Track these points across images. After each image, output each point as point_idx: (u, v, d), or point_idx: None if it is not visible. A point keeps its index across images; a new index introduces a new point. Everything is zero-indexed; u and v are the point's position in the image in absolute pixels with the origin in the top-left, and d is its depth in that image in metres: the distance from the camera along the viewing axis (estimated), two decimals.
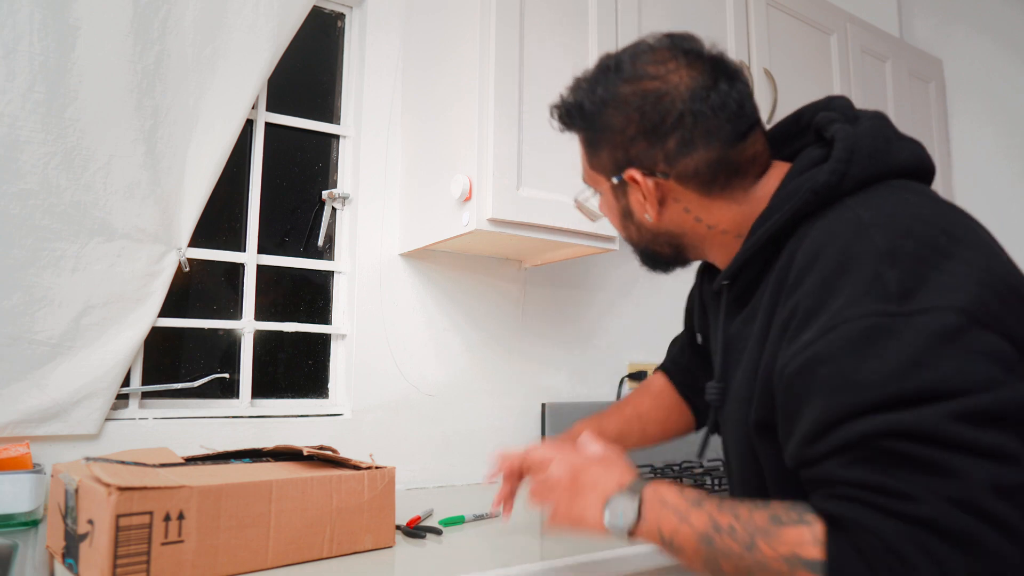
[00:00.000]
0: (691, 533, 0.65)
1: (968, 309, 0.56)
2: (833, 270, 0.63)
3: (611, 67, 0.78)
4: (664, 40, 0.77)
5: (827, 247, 0.65)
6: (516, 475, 0.92)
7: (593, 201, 0.88)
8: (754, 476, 0.76)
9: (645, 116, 0.74)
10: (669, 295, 2.03)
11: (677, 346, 1.16)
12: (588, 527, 0.73)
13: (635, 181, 0.77)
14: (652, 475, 0.70)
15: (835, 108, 0.77)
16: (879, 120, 0.74)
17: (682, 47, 0.76)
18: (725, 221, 0.78)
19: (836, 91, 2.00)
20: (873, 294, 0.58)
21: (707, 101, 0.72)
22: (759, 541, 0.60)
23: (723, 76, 0.74)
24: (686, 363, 1.11)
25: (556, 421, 1.70)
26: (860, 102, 2.05)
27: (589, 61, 1.46)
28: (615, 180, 0.79)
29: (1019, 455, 0.53)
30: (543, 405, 1.72)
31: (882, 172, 0.70)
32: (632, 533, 0.69)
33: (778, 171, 0.77)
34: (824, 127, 0.75)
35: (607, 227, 1.44)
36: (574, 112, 0.81)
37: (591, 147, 0.81)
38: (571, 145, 1.41)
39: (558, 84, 1.40)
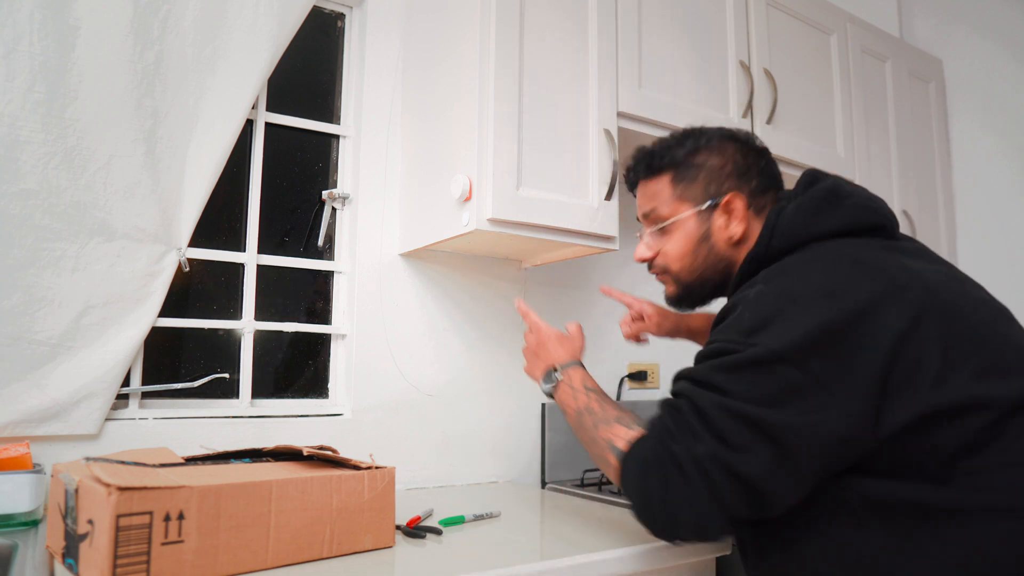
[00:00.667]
0: (572, 405, 1.01)
1: (778, 350, 0.78)
2: (726, 312, 0.89)
3: (700, 131, 1.06)
4: (724, 130, 1.08)
5: (735, 301, 0.89)
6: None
7: (654, 237, 1.09)
8: None
9: (736, 158, 1.02)
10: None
11: None
12: (535, 380, 1.11)
13: (729, 205, 1.00)
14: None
15: (799, 182, 1.00)
16: (815, 194, 0.95)
17: (741, 136, 1.07)
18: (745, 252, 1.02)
19: (836, 91, 2.00)
20: (732, 330, 0.84)
21: (767, 165, 1.05)
22: (600, 425, 0.94)
23: (767, 155, 1.07)
24: None
25: (556, 421, 1.70)
26: (860, 102, 2.06)
27: (589, 61, 1.46)
28: (707, 204, 1.01)
29: (747, 448, 0.77)
30: (543, 405, 1.72)
31: (800, 240, 0.92)
32: (551, 396, 1.06)
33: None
34: (780, 201, 1.00)
35: (607, 227, 1.44)
36: (664, 155, 1.05)
37: (682, 181, 1.03)
38: (571, 145, 1.42)
39: (558, 84, 1.41)
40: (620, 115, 1.50)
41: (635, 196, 1.14)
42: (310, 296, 1.56)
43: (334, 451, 1.05)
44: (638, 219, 1.12)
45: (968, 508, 0.74)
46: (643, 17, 1.58)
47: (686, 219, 1.03)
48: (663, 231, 1.06)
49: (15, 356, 1.14)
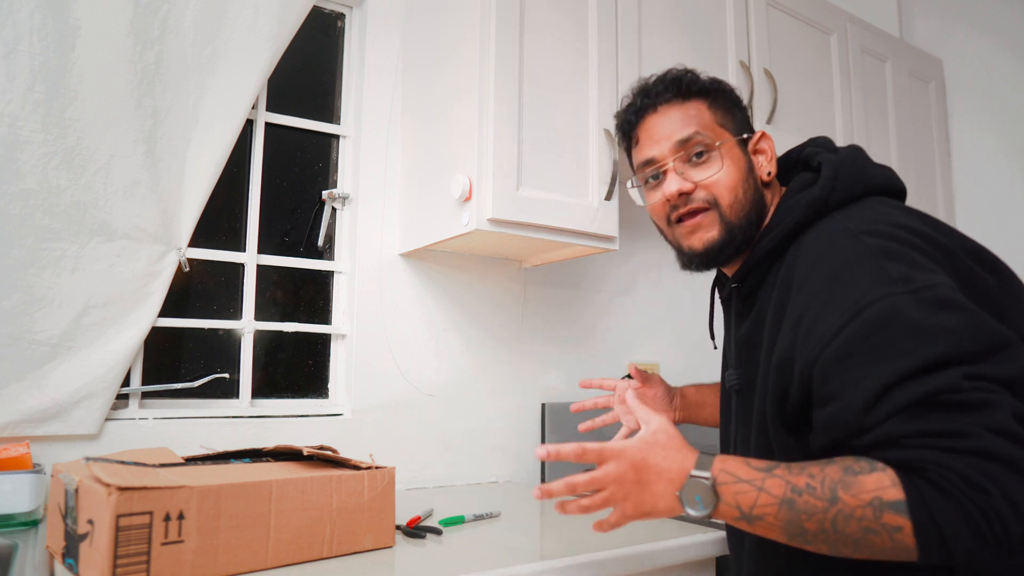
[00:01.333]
0: (771, 500, 0.67)
1: (956, 288, 0.68)
2: (836, 269, 0.73)
3: (702, 74, 0.98)
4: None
5: (826, 253, 0.76)
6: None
7: (642, 188, 0.98)
8: (770, 452, 0.84)
9: (743, 108, 0.98)
10: (668, 295, 2.03)
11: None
12: (661, 516, 0.75)
13: (762, 140, 0.93)
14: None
15: (819, 144, 0.93)
16: (856, 150, 0.89)
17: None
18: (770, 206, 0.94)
19: (836, 91, 2.00)
20: (882, 282, 0.68)
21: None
22: (840, 493, 0.64)
23: None
24: None
25: (556, 421, 1.70)
26: (860, 102, 2.06)
27: (589, 61, 1.46)
28: (746, 135, 0.93)
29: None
30: (543, 405, 1.72)
31: (861, 190, 0.84)
32: (711, 515, 0.71)
33: (778, 189, 0.96)
34: (811, 158, 0.90)
35: (607, 227, 1.44)
36: (696, 82, 0.95)
37: (719, 109, 0.94)
38: (571, 145, 1.42)
39: (558, 84, 1.41)
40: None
41: (631, 137, 0.98)
42: (310, 296, 1.56)
43: (334, 451, 1.05)
44: (643, 164, 0.95)
45: None
46: (643, 17, 1.58)
47: (730, 147, 0.91)
48: (707, 160, 0.90)
49: (15, 356, 1.14)
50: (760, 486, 0.68)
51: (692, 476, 0.71)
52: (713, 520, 1.20)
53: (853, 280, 0.71)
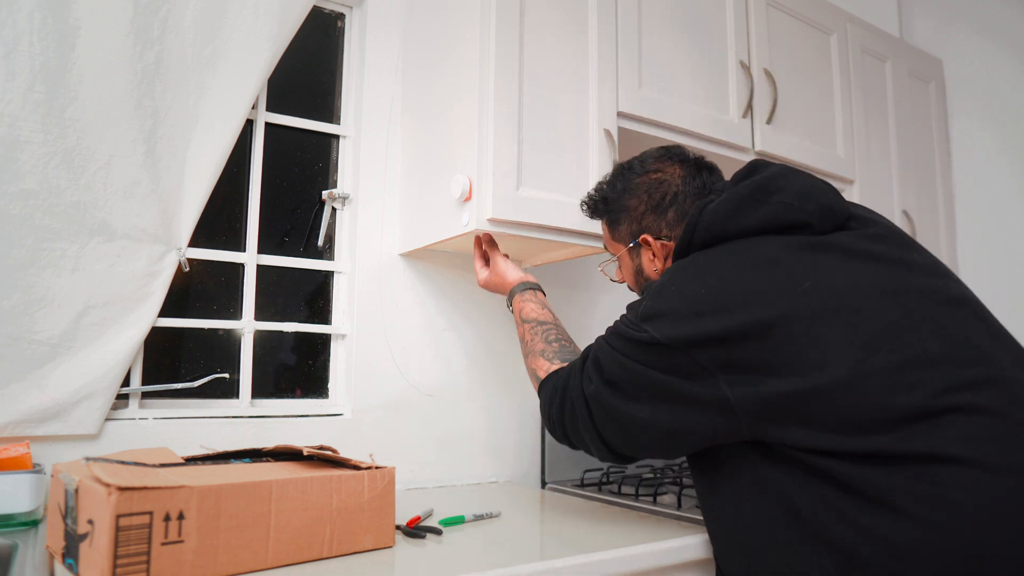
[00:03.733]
0: (519, 331, 1.24)
1: (663, 341, 0.88)
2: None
3: (625, 168, 1.15)
4: (661, 149, 1.15)
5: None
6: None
7: (610, 267, 1.25)
8: None
9: (651, 196, 1.11)
10: None
11: None
12: (502, 292, 1.33)
13: (647, 243, 1.11)
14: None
15: (751, 166, 1.05)
16: (741, 191, 0.97)
17: (674, 153, 1.14)
18: None
19: (836, 91, 2.00)
20: (633, 312, 0.95)
21: (692, 183, 1.10)
22: (529, 356, 1.18)
23: (704, 169, 1.12)
24: None
25: None
26: (860, 102, 2.06)
27: (589, 61, 1.46)
28: (631, 244, 1.14)
29: (616, 401, 0.94)
30: None
31: (720, 236, 0.95)
32: (508, 307, 1.30)
33: None
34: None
35: None
36: (599, 203, 1.18)
37: (613, 225, 1.16)
38: (571, 145, 1.42)
39: (558, 84, 1.41)
40: (620, 115, 1.50)
41: None
42: (310, 296, 1.56)
43: (334, 451, 1.05)
44: None
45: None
46: (643, 17, 1.58)
47: (622, 257, 1.17)
48: (615, 263, 1.21)
49: (15, 356, 1.14)
50: (520, 322, 1.24)
51: (512, 288, 1.29)
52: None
53: (639, 300, 0.99)
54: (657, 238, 1.10)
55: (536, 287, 1.26)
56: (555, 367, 1.10)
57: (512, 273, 1.29)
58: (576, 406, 0.99)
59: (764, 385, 0.82)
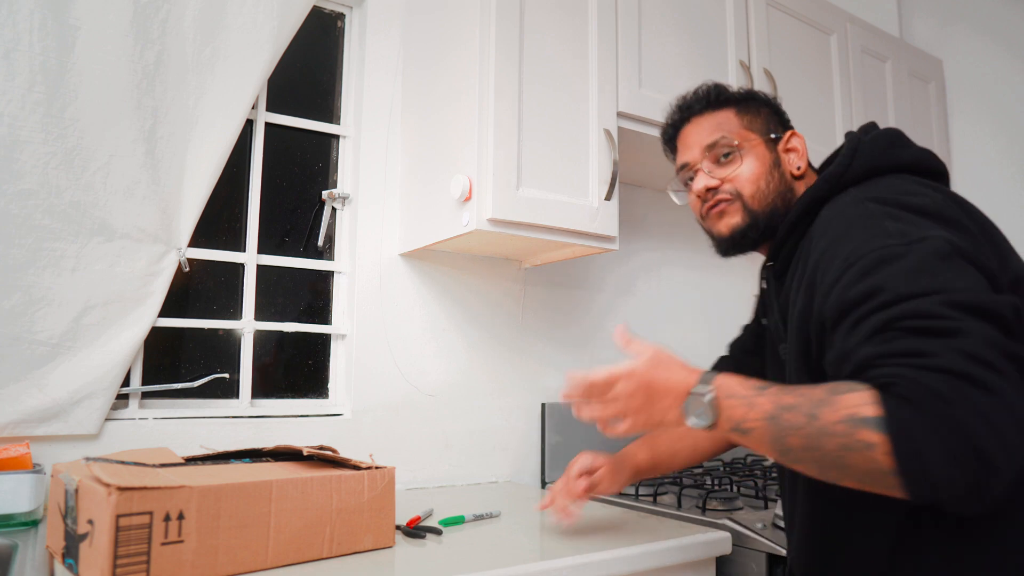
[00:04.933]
0: (759, 415, 0.71)
1: (953, 241, 0.70)
2: (840, 231, 0.79)
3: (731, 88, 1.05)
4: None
5: (834, 219, 0.82)
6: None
7: (681, 195, 1.10)
8: None
9: (775, 111, 1.04)
10: (669, 294, 2.03)
11: (730, 352, 1.23)
12: (669, 426, 0.82)
13: (792, 139, 1.01)
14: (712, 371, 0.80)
15: (858, 131, 0.96)
16: (889, 131, 0.91)
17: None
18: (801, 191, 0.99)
19: (836, 91, 2.00)
20: (878, 237, 0.72)
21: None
22: (820, 410, 0.66)
23: None
24: (742, 362, 1.19)
25: (556, 421, 1.70)
26: (860, 102, 2.05)
27: (589, 60, 1.46)
28: (774, 135, 1.01)
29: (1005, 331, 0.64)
30: (543, 405, 1.72)
31: (880, 167, 0.87)
32: (713, 426, 0.76)
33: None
34: (848, 140, 0.94)
35: (607, 227, 1.44)
36: (722, 93, 1.04)
37: (746, 113, 1.03)
38: (571, 145, 1.42)
39: (558, 84, 1.41)
40: (620, 115, 1.50)
41: (673, 147, 1.10)
42: (310, 296, 1.56)
43: (334, 451, 1.05)
44: (680, 168, 1.07)
45: None
46: (643, 17, 1.58)
47: (755, 147, 1.00)
48: (732, 158, 1.00)
49: (15, 356, 1.14)
50: (751, 401, 0.72)
51: (693, 392, 0.77)
52: (714, 520, 1.20)
53: (852, 237, 0.76)
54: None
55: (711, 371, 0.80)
56: (873, 390, 0.64)
57: (676, 373, 0.81)
58: (978, 377, 0.60)
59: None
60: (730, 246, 1.01)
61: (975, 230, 0.77)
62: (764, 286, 1.06)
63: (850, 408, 0.64)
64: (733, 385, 0.75)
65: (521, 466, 1.70)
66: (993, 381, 0.60)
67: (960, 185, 2.44)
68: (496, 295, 1.71)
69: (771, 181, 0.99)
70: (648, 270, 1.99)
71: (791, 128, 1.04)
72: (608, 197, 1.44)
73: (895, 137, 0.92)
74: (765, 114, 1.03)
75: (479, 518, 1.19)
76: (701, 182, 1.01)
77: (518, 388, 1.71)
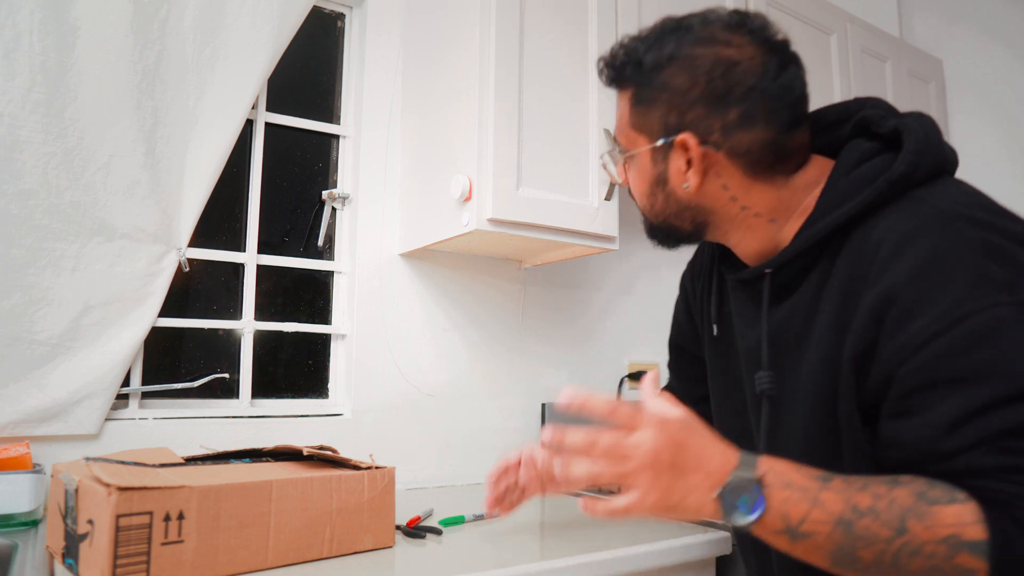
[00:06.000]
0: (825, 517, 0.58)
1: None
2: (928, 261, 0.61)
3: (680, 27, 0.75)
4: (735, 15, 0.76)
5: (916, 238, 0.63)
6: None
7: (614, 161, 0.84)
8: (824, 463, 0.65)
9: (713, 81, 0.72)
10: (669, 294, 2.02)
11: (675, 381, 1.09)
12: (685, 516, 0.62)
13: (685, 147, 0.74)
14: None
15: (878, 107, 0.77)
16: (929, 120, 0.73)
17: (753, 24, 0.75)
18: (760, 205, 0.76)
19: (836, 91, 2.00)
20: (983, 287, 0.58)
21: (776, 80, 0.72)
22: (911, 523, 0.55)
23: (791, 61, 0.74)
24: (688, 373, 1.04)
25: (556, 421, 1.70)
26: None
27: (589, 61, 1.46)
28: (660, 142, 0.76)
29: None
30: (543, 405, 1.72)
31: (943, 167, 0.71)
32: (753, 525, 0.59)
33: (817, 163, 0.77)
34: (876, 122, 0.74)
35: (607, 227, 1.44)
36: (627, 66, 0.78)
37: (640, 104, 0.77)
38: (571, 145, 1.42)
39: (558, 84, 1.41)
40: None
41: None
42: (310, 296, 1.56)
43: (334, 451, 1.05)
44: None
45: None
46: (643, 17, 1.58)
47: (640, 155, 0.79)
48: (622, 158, 0.82)
49: (15, 356, 1.14)
50: (815, 497, 0.58)
51: (738, 474, 0.59)
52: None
53: (950, 279, 0.60)
54: (703, 143, 0.73)
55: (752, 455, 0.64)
56: (973, 503, 0.56)
57: (714, 444, 0.64)
58: None
59: None
60: (650, 238, 0.85)
61: None
62: (732, 289, 0.86)
63: (952, 527, 0.54)
64: (788, 472, 0.60)
65: None
66: None
67: None
68: (496, 295, 1.71)
69: (657, 199, 0.79)
70: (648, 270, 1.99)
71: (715, 117, 0.73)
72: (608, 197, 1.42)
73: (937, 127, 0.73)
74: (663, 106, 0.75)
75: (479, 518, 1.19)
76: (614, 172, 0.85)
77: (518, 388, 1.71)
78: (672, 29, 0.75)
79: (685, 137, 0.73)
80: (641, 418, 0.61)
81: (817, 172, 0.76)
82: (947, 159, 0.71)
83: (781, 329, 0.76)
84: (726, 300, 0.89)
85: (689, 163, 0.74)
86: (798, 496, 0.58)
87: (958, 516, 0.54)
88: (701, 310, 0.96)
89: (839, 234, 0.71)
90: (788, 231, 0.76)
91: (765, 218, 0.77)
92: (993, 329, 0.57)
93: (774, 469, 0.60)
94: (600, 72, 0.82)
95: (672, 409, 0.63)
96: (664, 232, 0.82)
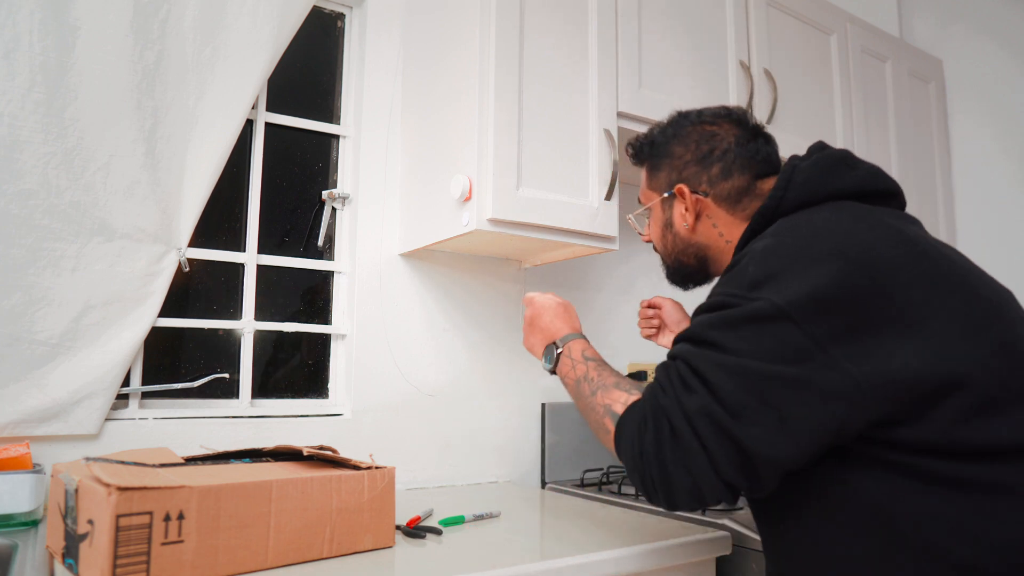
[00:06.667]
0: (571, 376, 0.97)
1: (782, 306, 0.73)
2: (732, 264, 0.84)
3: (681, 116, 1.06)
4: (723, 109, 1.05)
5: (745, 254, 0.84)
6: None
7: (641, 219, 1.14)
8: None
9: (699, 147, 1.01)
10: (668, 294, 2.03)
11: None
12: (534, 354, 1.07)
13: (682, 194, 1.00)
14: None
15: (809, 150, 0.96)
16: (831, 155, 0.92)
17: (734, 114, 1.03)
18: (737, 238, 0.98)
19: (836, 91, 2.00)
20: (734, 283, 0.79)
21: (745, 146, 0.99)
22: (598, 392, 0.90)
23: (759, 135, 1.01)
24: None
25: (556, 421, 1.70)
26: (860, 102, 2.06)
27: (589, 61, 1.46)
28: (666, 194, 1.04)
29: (743, 406, 0.72)
30: (543, 405, 1.72)
31: (816, 196, 0.88)
32: (553, 372, 1.02)
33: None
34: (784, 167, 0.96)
35: (607, 227, 1.44)
36: (646, 147, 1.08)
37: (653, 171, 1.06)
38: (571, 145, 1.42)
39: (558, 84, 1.41)
40: (620, 115, 1.50)
41: None
42: (310, 296, 1.56)
43: (334, 451, 1.05)
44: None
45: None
46: (643, 17, 1.58)
47: (654, 207, 1.08)
48: (646, 215, 1.11)
49: (15, 356, 1.14)
50: (573, 366, 0.97)
51: (555, 341, 1.02)
52: (713, 520, 1.20)
53: (728, 277, 0.82)
54: (694, 191, 0.99)
55: (581, 335, 1.05)
56: (634, 397, 0.85)
57: (558, 324, 1.06)
58: (677, 428, 0.75)
59: (893, 359, 0.70)
60: (669, 281, 1.14)
61: (866, 283, 0.74)
62: None
63: (611, 401, 0.87)
64: (577, 348, 0.99)
65: (521, 466, 1.70)
66: (686, 434, 0.74)
67: (960, 185, 2.45)
68: (496, 295, 1.71)
69: (667, 241, 1.07)
70: (648, 270, 1.99)
71: (706, 172, 1.00)
72: (608, 197, 1.44)
73: (839, 159, 0.90)
74: (667, 169, 1.04)
75: (479, 518, 1.19)
76: (639, 228, 1.17)
77: (518, 388, 1.71)
78: (676, 118, 1.06)
79: (681, 187, 1.00)
80: (525, 298, 1.11)
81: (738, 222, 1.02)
82: (828, 189, 0.88)
83: None
84: None
85: (686, 208, 1.01)
86: (568, 363, 0.98)
87: (618, 397, 0.87)
88: None
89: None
90: None
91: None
92: (709, 307, 0.81)
93: (572, 347, 1.00)
94: (628, 153, 1.13)
95: (549, 295, 1.09)
96: (675, 271, 1.10)
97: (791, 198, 0.89)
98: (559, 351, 1.00)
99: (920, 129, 2.30)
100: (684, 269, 1.08)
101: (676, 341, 0.83)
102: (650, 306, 1.35)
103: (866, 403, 0.70)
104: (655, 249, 1.13)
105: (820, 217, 0.83)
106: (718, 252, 1.02)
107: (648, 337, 1.34)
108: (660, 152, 1.06)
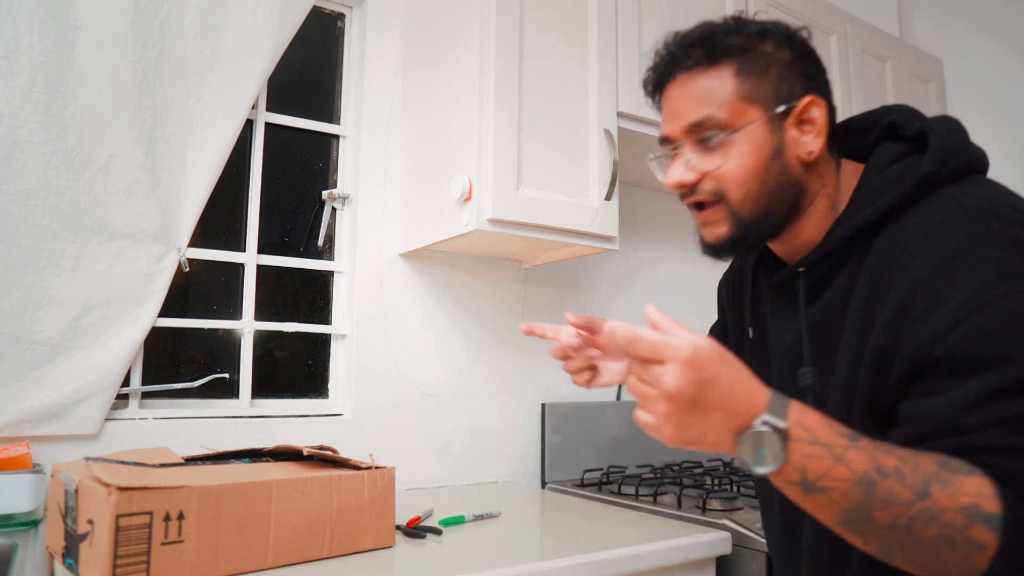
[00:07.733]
0: (846, 475, 0.55)
1: None
2: (953, 253, 0.63)
3: (743, 17, 0.78)
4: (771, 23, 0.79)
5: (941, 233, 0.65)
6: (608, 350, 0.84)
7: (663, 162, 0.83)
8: None
9: (803, 49, 0.77)
10: (668, 294, 2.03)
11: None
12: (707, 449, 0.59)
13: (808, 109, 0.74)
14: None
15: (904, 112, 0.79)
16: (956, 122, 0.75)
17: (780, 29, 0.78)
18: (831, 187, 0.78)
19: (836, 91, 1.99)
20: (1008, 275, 0.60)
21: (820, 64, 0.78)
22: (935, 489, 0.54)
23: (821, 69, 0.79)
24: None
25: (556, 421, 1.70)
26: (860, 102, 2.05)
27: (589, 60, 1.46)
28: (782, 108, 0.74)
29: None
30: (543, 405, 1.72)
31: (970, 166, 0.72)
32: (773, 473, 0.57)
33: (849, 167, 0.79)
34: (902, 126, 0.76)
35: (607, 227, 1.44)
36: (734, 34, 0.75)
37: (750, 74, 0.74)
38: (571, 145, 1.42)
39: (558, 84, 1.41)
40: (620, 115, 1.50)
41: (657, 104, 0.85)
42: (310, 296, 1.56)
43: (334, 451, 1.05)
44: (664, 139, 0.82)
45: None
46: (643, 17, 1.58)
47: (756, 127, 0.74)
48: (720, 144, 0.75)
49: (15, 356, 1.14)
50: (840, 455, 0.56)
51: (763, 420, 0.56)
52: (714, 520, 1.20)
53: (972, 268, 0.61)
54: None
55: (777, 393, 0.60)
56: (987, 479, 0.55)
57: (744, 383, 0.58)
58: None
59: None
60: (715, 255, 0.81)
61: None
62: (768, 292, 0.87)
63: (973, 497, 0.53)
64: (817, 425, 0.57)
65: (521, 466, 1.70)
66: None
67: None
68: (496, 295, 1.71)
69: (767, 179, 0.74)
70: (647, 270, 1.99)
71: (815, 85, 0.75)
72: (608, 197, 1.44)
73: (963, 128, 0.75)
74: (777, 70, 0.74)
75: (479, 518, 1.19)
76: (675, 174, 0.78)
77: (518, 388, 1.71)
78: (743, 19, 0.78)
79: (815, 98, 0.74)
80: (666, 351, 0.55)
81: (849, 175, 0.78)
82: (974, 158, 0.73)
83: (816, 327, 0.77)
84: (760, 305, 0.91)
85: (803, 129, 0.74)
86: (822, 453, 0.56)
87: (979, 487, 0.54)
88: (735, 318, 0.98)
89: (869, 232, 0.72)
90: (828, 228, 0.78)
91: (829, 203, 0.78)
92: (1017, 314, 0.58)
93: (802, 422, 0.57)
94: (674, 56, 0.79)
95: (702, 340, 0.57)
96: (751, 223, 0.76)
97: (952, 165, 0.70)
98: (783, 435, 0.56)
99: None
100: (770, 221, 0.76)
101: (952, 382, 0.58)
102: (585, 328, 0.88)
103: None
104: (711, 198, 0.77)
105: (1000, 192, 0.69)
106: (809, 200, 0.77)
107: (584, 385, 0.91)
108: (756, 50, 0.75)
